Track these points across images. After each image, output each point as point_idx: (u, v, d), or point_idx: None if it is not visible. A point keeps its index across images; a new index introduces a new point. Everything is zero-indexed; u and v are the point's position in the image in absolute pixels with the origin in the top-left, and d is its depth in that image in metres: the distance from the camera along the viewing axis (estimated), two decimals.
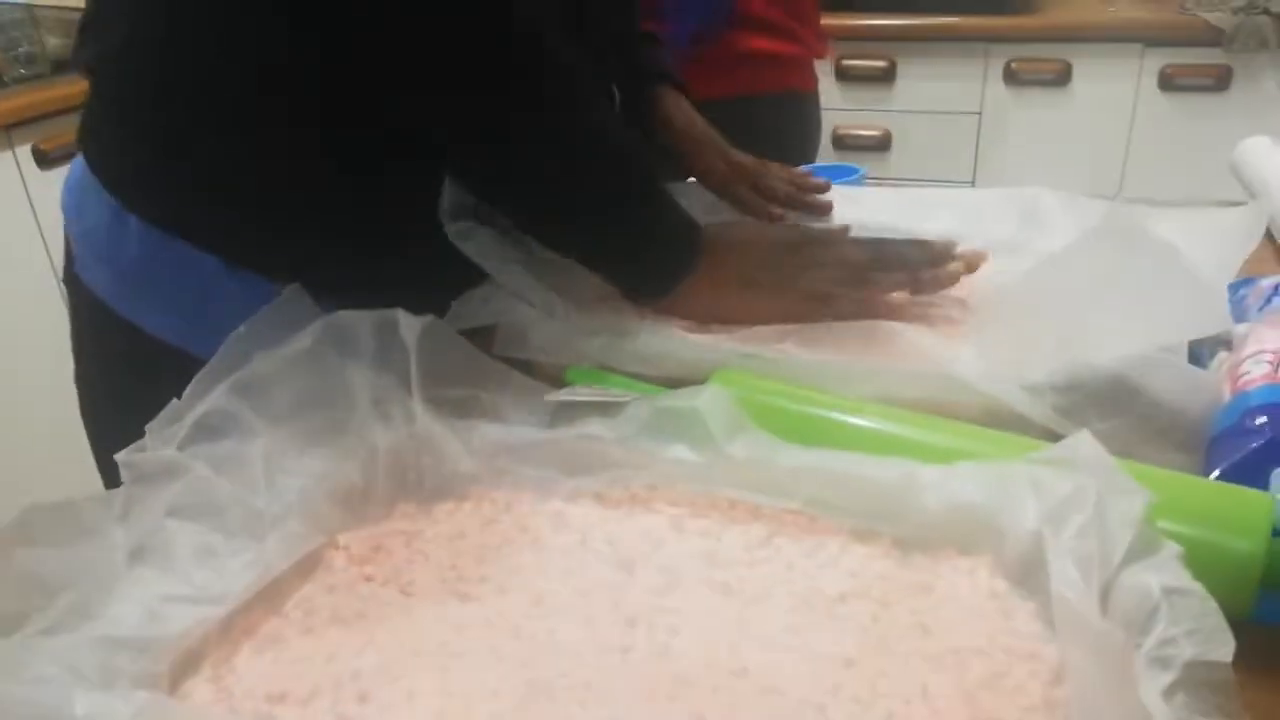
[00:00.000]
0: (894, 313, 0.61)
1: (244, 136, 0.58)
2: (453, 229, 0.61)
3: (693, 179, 0.83)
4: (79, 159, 0.64)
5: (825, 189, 0.81)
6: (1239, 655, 0.32)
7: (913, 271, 0.63)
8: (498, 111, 0.54)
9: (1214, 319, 0.47)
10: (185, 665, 0.38)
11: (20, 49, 1.73)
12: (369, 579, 0.44)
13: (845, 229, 0.69)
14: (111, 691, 0.33)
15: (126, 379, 0.62)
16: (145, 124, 0.59)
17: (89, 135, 0.63)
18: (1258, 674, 0.37)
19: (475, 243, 0.61)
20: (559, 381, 0.55)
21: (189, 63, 0.56)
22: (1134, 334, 0.48)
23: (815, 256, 0.63)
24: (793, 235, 0.66)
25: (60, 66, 1.80)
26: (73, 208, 0.64)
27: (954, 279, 0.63)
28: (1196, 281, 0.47)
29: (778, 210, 0.78)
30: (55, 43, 1.80)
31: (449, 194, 0.61)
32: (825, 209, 0.79)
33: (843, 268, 0.62)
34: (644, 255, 0.61)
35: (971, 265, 0.65)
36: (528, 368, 0.57)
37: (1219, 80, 1.74)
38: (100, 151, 0.62)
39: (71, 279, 0.66)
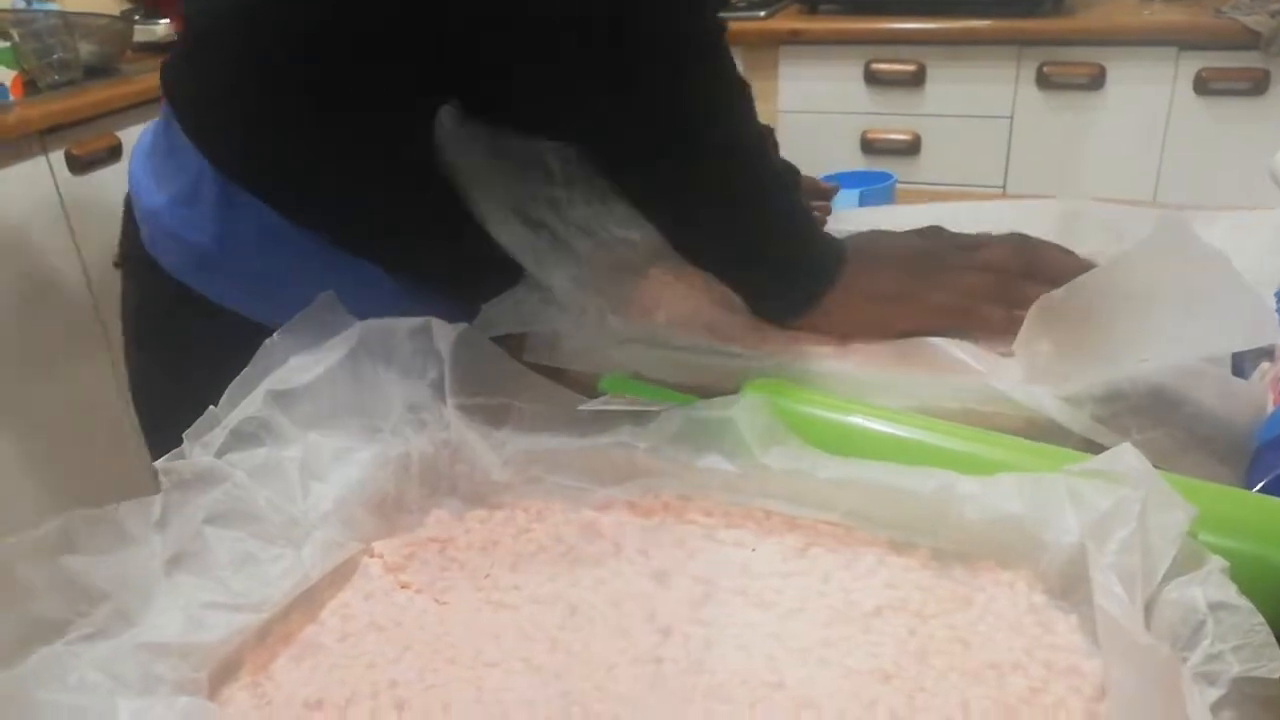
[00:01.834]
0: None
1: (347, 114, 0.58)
2: (480, 213, 0.59)
3: None
4: (158, 131, 0.64)
5: (830, 195, 0.80)
6: None
7: (1066, 279, 0.57)
8: (664, 119, 0.54)
9: (1264, 329, 0.47)
10: (224, 672, 0.39)
11: (55, 55, 1.75)
12: (404, 587, 0.44)
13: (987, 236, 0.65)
14: (154, 698, 0.34)
15: (198, 357, 0.61)
16: (247, 93, 0.59)
17: (187, 99, 0.62)
18: None
19: (507, 234, 0.60)
20: (591, 389, 0.55)
21: (293, 33, 0.57)
22: (1180, 344, 0.47)
23: (959, 261, 0.60)
24: (934, 243, 0.62)
25: (93, 73, 1.83)
26: (148, 183, 0.64)
27: None
28: (1246, 291, 0.46)
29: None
30: (89, 49, 1.83)
31: (461, 173, 0.60)
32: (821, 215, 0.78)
33: (988, 275, 0.59)
34: (790, 272, 0.59)
35: None
36: (559, 375, 0.57)
37: (1256, 84, 1.71)
38: (198, 116, 0.61)
39: (138, 260, 0.65)
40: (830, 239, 0.61)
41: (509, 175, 0.61)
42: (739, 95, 0.57)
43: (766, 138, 0.62)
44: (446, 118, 0.57)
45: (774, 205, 0.59)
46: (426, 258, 0.60)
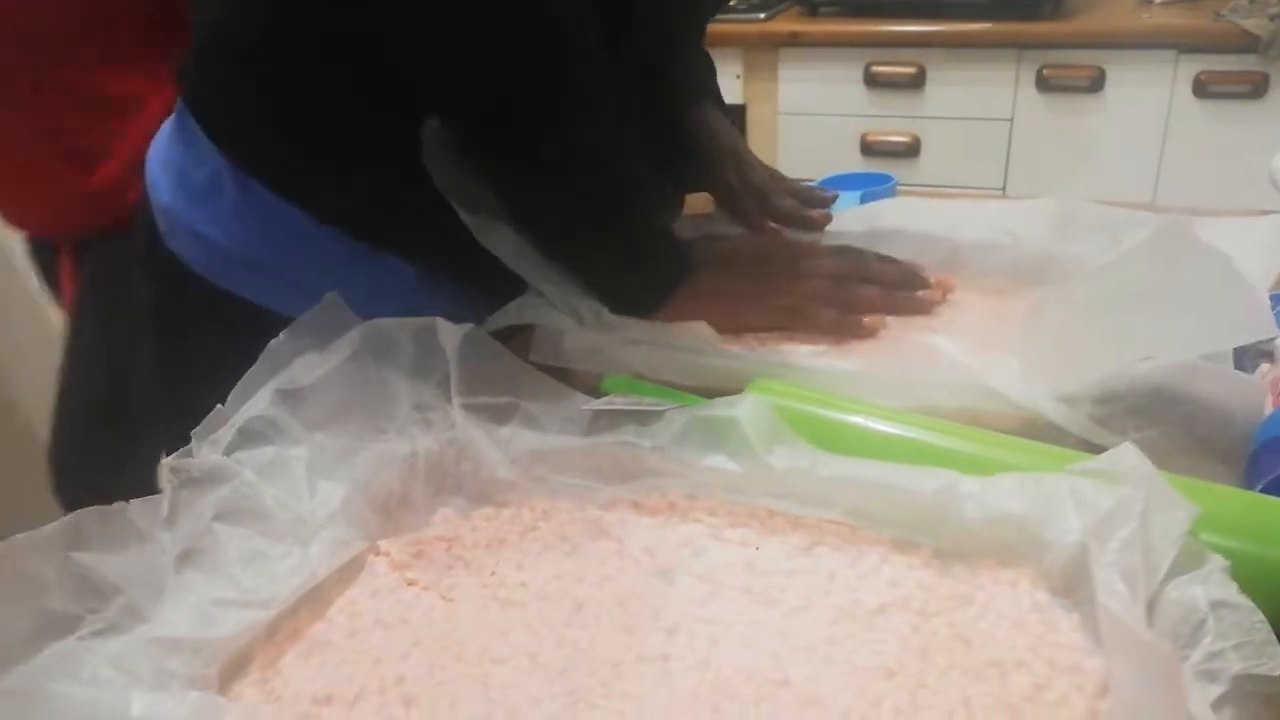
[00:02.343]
0: (870, 332, 0.62)
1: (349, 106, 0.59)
2: (473, 222, 0.60)
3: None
4: (174, 128, 0.65)
5: (830, 203, 0.81)
6: None
7: (889, 290, 0.64)
8: (511, 101, 0.55)
9: (1260, 325, 0.47)
10: (233, 668, 0.39)
11: None
12: (411, 584, 0.44)
13: (822, 244, 0.71)
14: (165, 692, 0.34)
15: (217, 350, 0.63)
16: (260, 87, 0.61)
17: (201, 94, 0.64)
18: None
19: (500, 241, 0.61)
20: (595, 390, 0.55)
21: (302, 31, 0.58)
22: (1178, 342, 0.48)
23: (793, 269, 0.64)
24: (771, 249, 0.67)
25: None
26: (165, 180, 0.65)
27: (929, 306, 0.65)
28: (1243, 287, 0.47)
29: (771, 225, 0.79)
30: None
31: (451, 182, 0.61)
32: (818, 223, 0.79)
33: (820, 280, 0.64)
34: (634, 270, 0.62)
35: (945, 289, 0.66)
36: (563, 375, 0.58)
37: (1255, 87, 1.72)
38: (211, 110, 0.63)
39: (156, 256, 0.66)
40: (675, 243, 0.64)
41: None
42: (584, 103, 0.57)
43: (621, 146, 0.61)
44: (432, 125, 0.58)
45: (616, 217, 0.61)
46: (446, 253, 0.62)
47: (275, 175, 0.61)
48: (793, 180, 0.84)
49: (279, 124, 0.60)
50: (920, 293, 0.65)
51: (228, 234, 0.62)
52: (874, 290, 0.64)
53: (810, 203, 0.81)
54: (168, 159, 0.66)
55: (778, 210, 0.79)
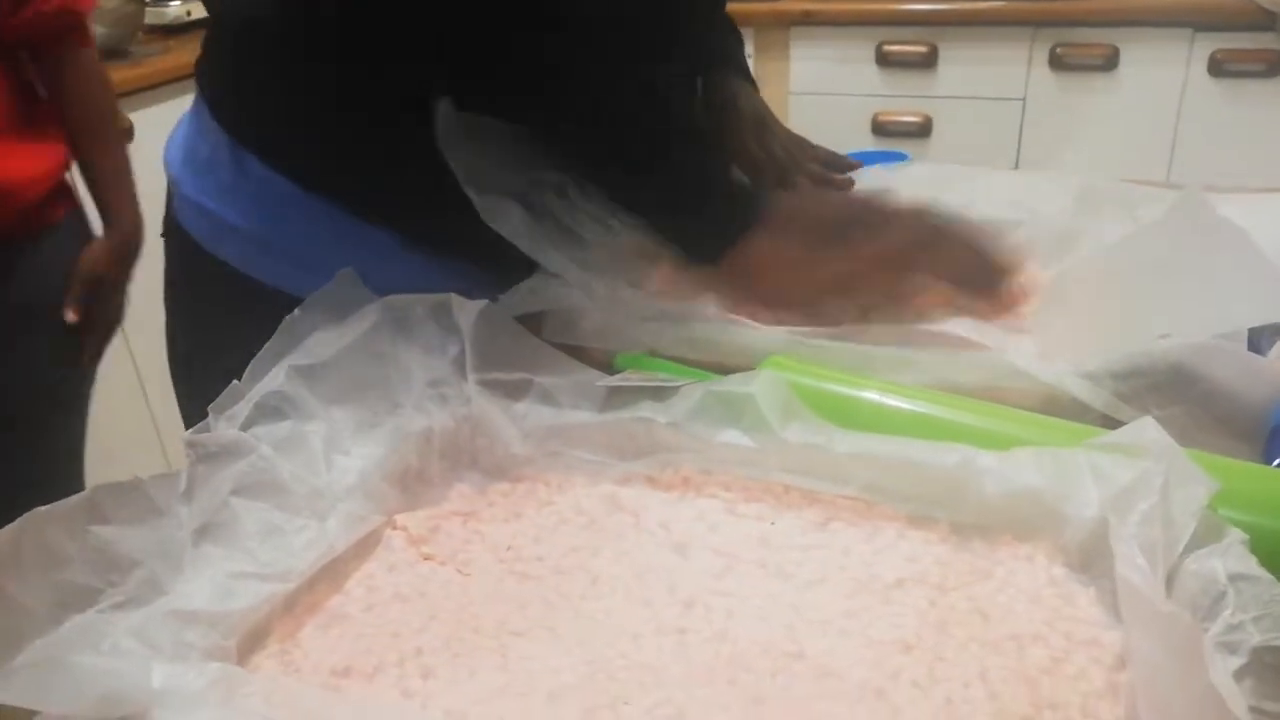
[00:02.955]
0: (921, 316, 0.59)
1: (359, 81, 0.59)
2: (480, 202, 0.60)
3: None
4: (193, 109, 0.67)
5: (853, 169, 0.81)
6: None
7: (965, 279, 0.60)
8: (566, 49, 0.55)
9: (1278, 303, 0.47)
10: (252, 641, 0.39)
11: None
12: (428, 558, 0.44)
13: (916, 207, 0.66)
14: (185, 664, 0.34)
15: (222, 322, 0.64)
16: (266, 70, 0.61)
17: (213, 81, 0.65)
18: None
19: (507, 221, 0.61)
20: (609, 367, 0.55)
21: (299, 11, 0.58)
22: (1199, 319, 0.48)
23: (866, 233, 0.61)
24: (847, 211, 0.64)
25: (105, 55, 1.82)
26: (177, 154, 0.67)
27: (1005, 306, 0.61)
28: (1263, 264, 0.46)
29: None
30: (100, 31, 1.82)
31: (461, 163, 0.61)
32: (842, 187, 0.78)
33: (890, 249, 0.60)
34: (703, 210, 0.61)
35: (1019, 298, 0.62)
36: (578, 353, 0.58)
37: (1270, 66, 1.70)
38: (221, 95, 0.64)
39: (170, 230, 0.68)
40: (746, 196, 0.62)
41: (511, 163, 0.62)
42: (632, 39, 0.58)
43: (680, 95, 0.63)
44: (445, 105, 0.58)
45: (683, 163, 0.60)
46: (447, 229, 0.61)
47: (273, 150, 0.61)
48: (817, 146, 0.83)
49: (278, 99, 0.61)
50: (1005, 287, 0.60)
51: (225, 207, 0.63)
52: (941, 283, 0.60)
53: (835, 169, 0.80)
54: (184, 135, 0.67)
55: (801, 177, 0.78)
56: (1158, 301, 0.49)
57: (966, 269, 0.60)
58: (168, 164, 0.67)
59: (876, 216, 0.62)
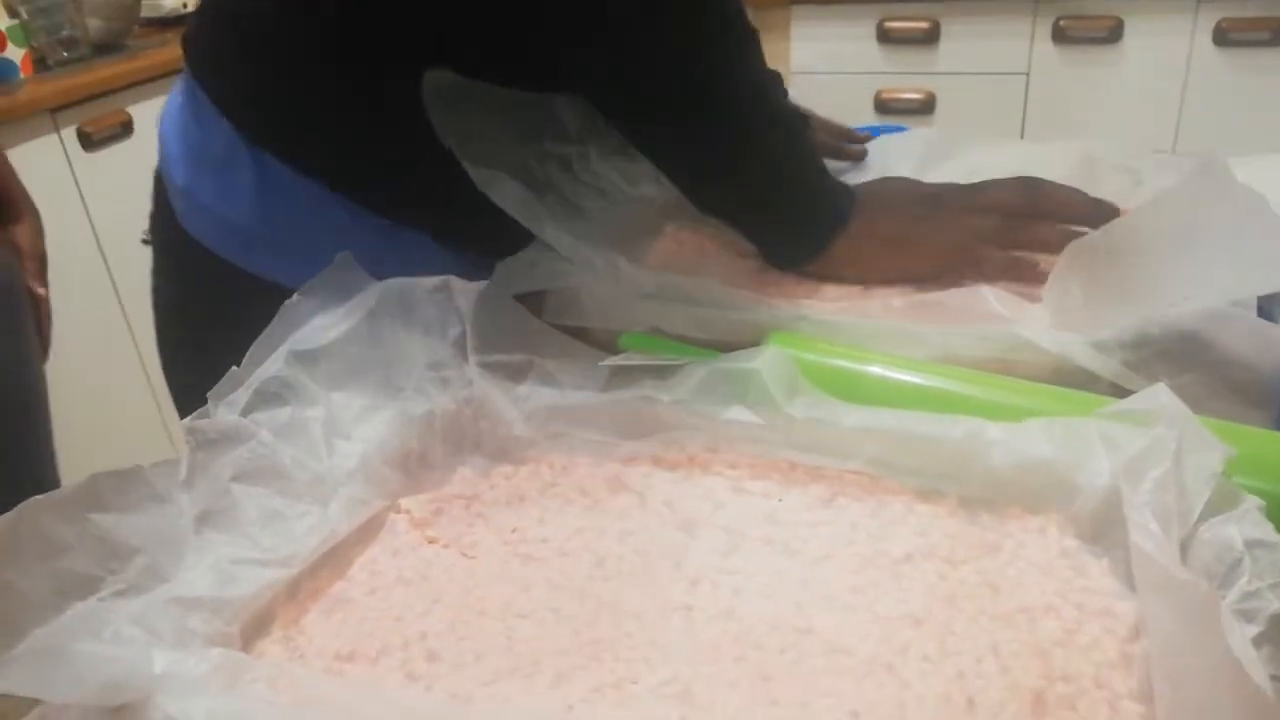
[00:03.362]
0: (1041, 278, 0.57)
1: (352, 64, 0.58)
2: (476, 174, 0.58)
3: None
4: (184, 104, 0.64)
5: (864, 140, 0.80)
6: None
7: (1074, 226, 0.57)
8: (660, 69, 0.54)
9: None
10: (255, 627, 0.39)
11: (63, 32, 1.75)
12: (431, 542, 0.44)
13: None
14: (187, 650, 0.34)
15: (238, 329, 0.63)
16: (264, 54, 0.60)
17: (211, 67, 0.63)
18: None
19: (504, 193, 0.59)
20: (612, 347, 0.55)
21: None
22: (1213, 287, 0.47)
23: (965, 202, 0.60)
24: (940, 186, 0.62)
25: (102, 49, 1.82)
26: (180, 160, 0.64)
27: None
28: (1278, 230, 0.45)
29: None
30: (97, 25, 1.82)
31: (453, 131, 0.59)
32: (856, 156, 0.77)
33: (993, 215, 0.59)
34: (798, 218, 0.60)
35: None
36: (579, 334, 0.57)
37: (1276, 34, 1.68)
38: (220, 81, 0.62)
39: (171, 234, 0.65)
40: (839, 185, 0.61)
41: (509, 134, 0.61)
42: (740, 42, 0.56)
43: (775, 84, 0.61)
44: (434, 77, 0.57)
45: (781, 152, 0.58)
46: (468, 223, 0.59)
47: (285, 144, 0.60)
48: (828, 120, 0.81)
49: (287, 91, 0.59)
50: None
51: (243, 212, 0.61)
52: (1052, 229, 0.58)
53: (840, 138, 0.79)
54: (181, 135, 0.64)
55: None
56: (1172, 269, 0.48)
57: (1073, 209, 0.58)
58: (169, 170, 0.65)
59: (964, 188, 0.61)
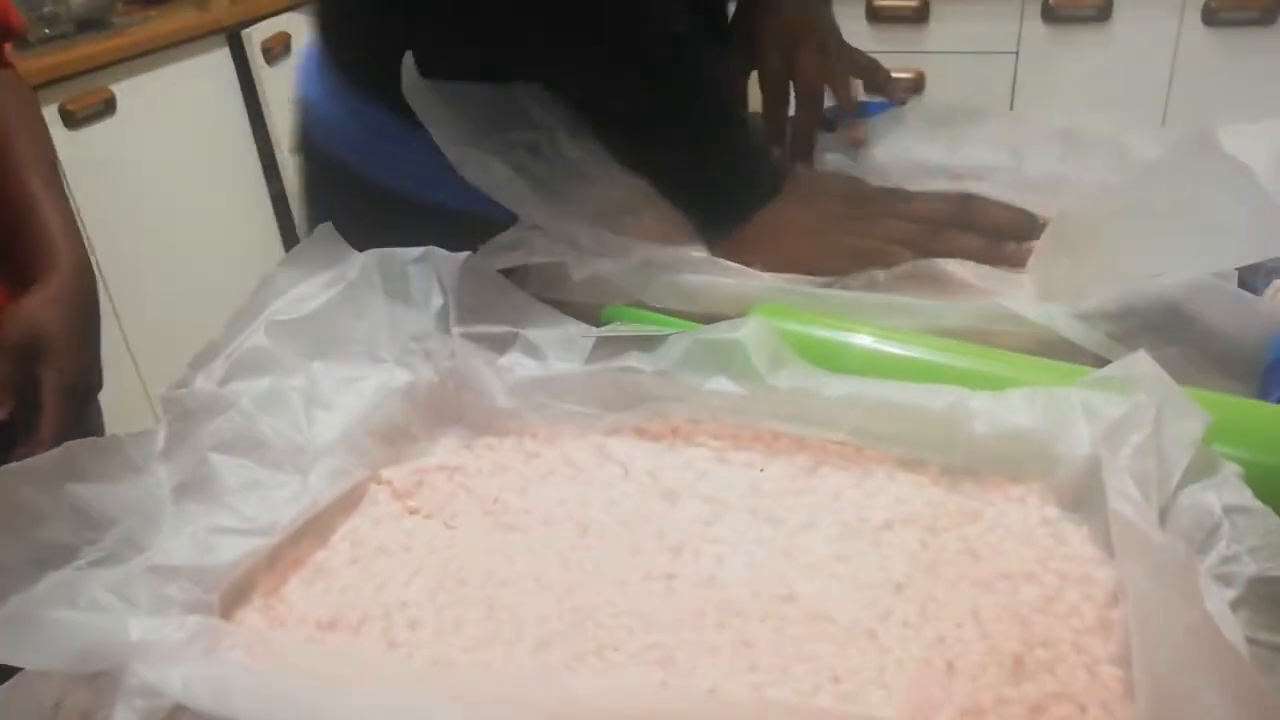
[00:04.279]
0: (948, 288, 0.57)
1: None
2: (454, 154, 0.59)
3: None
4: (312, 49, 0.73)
5: (893, 82, 0.76)
6: None
7: (997, 239, 0.58)
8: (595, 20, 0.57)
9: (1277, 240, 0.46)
10: (235, 595, 0.39)
11: (45, 9, 1.72)
12: (413, 512, 0.44)
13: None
14: (164, 617, 0.34)
15: (360, 230, 0.62)
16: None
17: (324, 25, 0.71)
18: None
19: (485, 174, 0.60)
20: (596, 321, 0.55)
21: None
22: (1197, 257, 0.47)
23: (892, 207, 0.60)
24: (873, 189, 0.62)
25: (85, 26, 1.80)
26: (303, 86, 0.74)
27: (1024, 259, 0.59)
28: (1265, 202, 0.45)
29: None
30: (79, 2, 1.79)
31: (432, 116, 0.60)
32: (891, 90, 0.74)
33: (911, 225, 0.59)
34: (716, 193, 0.61)
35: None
36: (564, 307, 0.57)
37: (1265, 13, 1.68)
38: (329, 37, 0.71)
39: (304, 145, 0.73)
40: (769, 171, 0.62)
41: (480, 125, 0.62)
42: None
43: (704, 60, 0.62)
44: (409, 69, 0.58)
45: (695, 123, 0.60)
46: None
47: (378, 88, 0.64)
48: (862, 56, 0.76)
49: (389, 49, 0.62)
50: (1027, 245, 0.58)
51: (350, 126, 0.69)
52: (973, 240, 0.58)
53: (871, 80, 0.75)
54: (306, 73, 0.72)
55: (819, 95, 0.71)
56: (1157, 240, 0.48)
57: (1003, 223, 0.58)
58: (297, 92, 0.73)
59: (897, 194, 0.61)
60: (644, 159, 0.62)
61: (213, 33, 1.92)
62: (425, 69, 0.58)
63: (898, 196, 0.61)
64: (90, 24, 1.81)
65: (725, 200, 0.61)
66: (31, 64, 1.61)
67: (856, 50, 0.76)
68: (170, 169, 1.83)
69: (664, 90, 0.59)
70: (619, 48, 0.58)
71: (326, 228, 0.52)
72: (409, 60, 0.58)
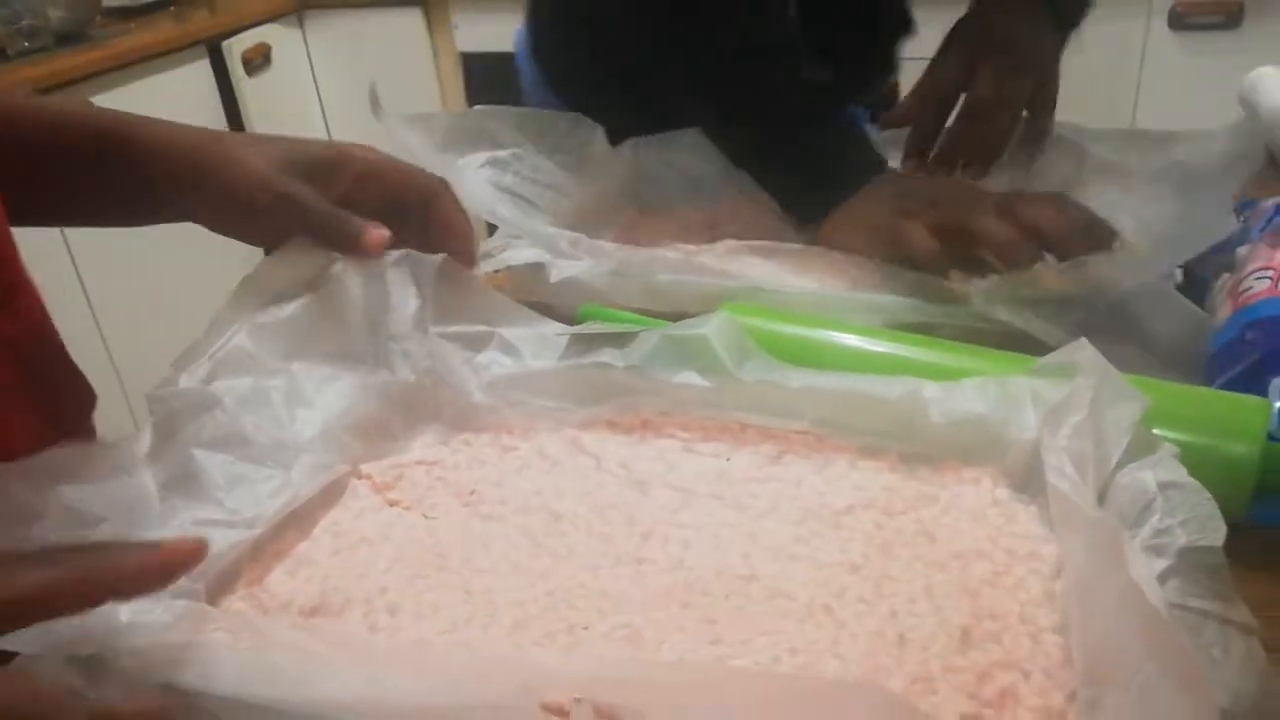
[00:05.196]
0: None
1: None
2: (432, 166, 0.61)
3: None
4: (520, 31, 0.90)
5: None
6: (1238, 555, 0.34)
7: (1059, 238, 0.56)
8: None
9: (1222, 225, 0.49)
10: (221, 585, 0.40)
11: (23, 21, 1.73)
12: (393, 504, 0.45)
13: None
14: (153, 602, 0.35)
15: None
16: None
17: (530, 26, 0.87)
18: (1257, 571, 0.38)
19: (463, 183, 0.63)
20: (573, 322, 0.56)
21: None
22: (1148, 251, 0.50)
23: (948, 206, 0.60)
24: (947, 190, 0.63)
25: (64, 39, 1.81)
26: (518, 60, 0.91)
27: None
28: (1197, 195, 0.48)
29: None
30: (58, 15, 1.80)
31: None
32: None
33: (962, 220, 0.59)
34: (807, 179, 0.67)
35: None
36: (543, 310, 0.58)
37: (1230, 18, 1.71)
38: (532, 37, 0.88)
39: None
40: (864, 162, 0.65)
41: (451, 145, 0.69)
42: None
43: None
44: (374, 97, 0.63)
45: (796, 113, 0.66)
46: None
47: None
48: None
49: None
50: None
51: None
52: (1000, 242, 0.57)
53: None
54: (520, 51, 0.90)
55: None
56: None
57: (1061, 227, 0.56)
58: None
59: (972, 193, 0.62)
60: (747, 153, 0.69)
61: (193, 44, 1.93)
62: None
63: (970, 199, 0.60)
64: (70, 37, 1.82)
65: (809, 192, 0.66)
66: (10, 77, 1.62)
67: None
68: None
69: (767, 91, 0.66)
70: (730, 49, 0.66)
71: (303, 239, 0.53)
72: (374, 88, 0.62)
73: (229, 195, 0.50)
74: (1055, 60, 0.75)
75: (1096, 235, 0.56)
